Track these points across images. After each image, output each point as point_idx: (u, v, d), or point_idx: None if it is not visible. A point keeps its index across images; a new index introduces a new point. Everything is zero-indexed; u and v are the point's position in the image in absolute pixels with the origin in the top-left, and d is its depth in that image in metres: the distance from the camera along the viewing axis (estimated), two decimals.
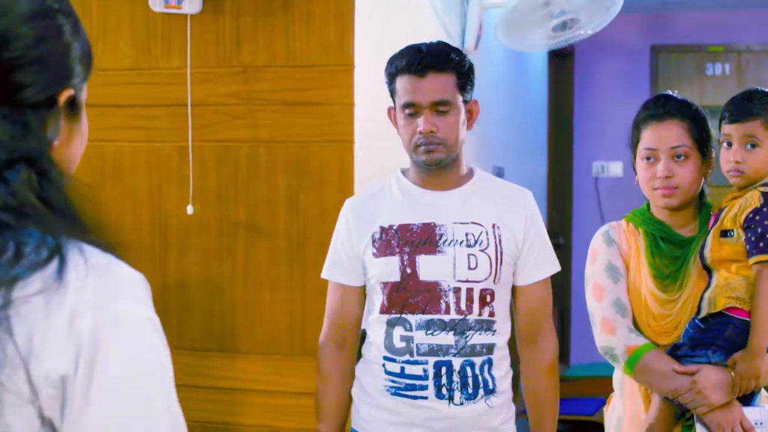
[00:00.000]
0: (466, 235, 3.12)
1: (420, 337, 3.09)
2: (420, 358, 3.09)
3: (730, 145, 3.11)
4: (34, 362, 1.23)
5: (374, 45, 4.20)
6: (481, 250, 3.11)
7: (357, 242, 3.20)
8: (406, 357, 3.11)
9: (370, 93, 4.12)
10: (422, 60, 3.09)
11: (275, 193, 4.14)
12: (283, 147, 4.12)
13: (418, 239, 3.12)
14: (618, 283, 3.22)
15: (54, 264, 1.26)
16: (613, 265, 3.24)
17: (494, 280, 3.12)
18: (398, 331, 3.12)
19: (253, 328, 4.18)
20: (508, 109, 7.02)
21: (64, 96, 1.38)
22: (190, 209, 4.15)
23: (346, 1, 4.03)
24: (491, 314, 3.12)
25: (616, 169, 9.02)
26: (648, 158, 3.19)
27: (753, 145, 3.06)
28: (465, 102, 3.15)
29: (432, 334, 3.08)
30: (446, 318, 3.08)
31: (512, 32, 5.21)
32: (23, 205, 1.28)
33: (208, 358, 4.22)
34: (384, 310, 3.15)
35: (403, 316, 3.11)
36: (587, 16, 5.18)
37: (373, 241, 3.16)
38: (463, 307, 3.09)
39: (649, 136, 3.20)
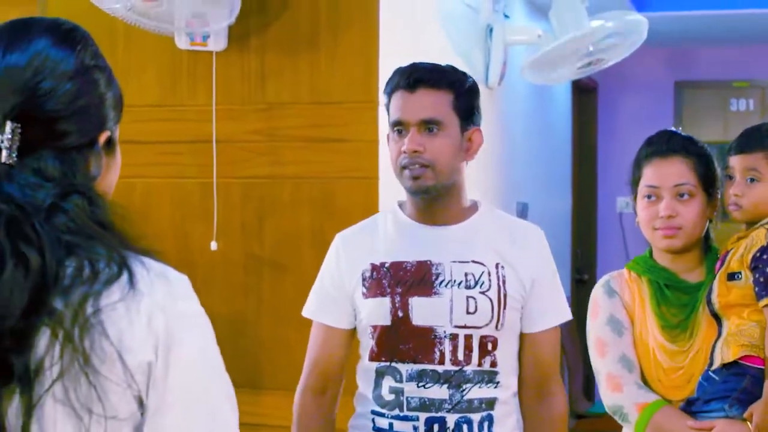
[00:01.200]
0: (466, 275, 2.79)
1: (410, 390, 2.76)
2: (410, 413, 2.76)
3: (731, 178, 2.98)
4: (126, 355, 1.54)
5: None
6: (482, 293, 2.78)
7: (347, 280, 2.88)
8: (396, 411, 2.79)
9: None
10: (413, 73, 2.81)
11: (300, 230, 4.14)
12: (307, 183, 4.13)
13: (411, 279, 2.80)
14: (622, 337, 3.00)
15: (125, 276, 1.56)
16: (615, 318, 3.02)
17: (497, 326, 2.79)
18: (388, 382, 2.80)
19: (278, 364, 4.17)
20: (532, 144, 7.02)
21: (102, 138, 1.66)
22: (213, 245, 4.16)
23: (370, 38, 4.05)
24: (493, 364, 2.79)
25: None
26: (649, 196, 2.99)
27: (753, 180, 2.93)
28: (464, 128, 2.83)
29: (424, 386, 2.76)
30: (440, 369, 2.75)
31: (539, 70, 5.22)
32: (83, 228, 1.57)
33: None
34: (373, 357, 2.84)
35: (393, 364, 2.80)
36: (614, 55, 5.20)
37: (363, 280, 2.85)
38: (460, 356, 2.76)
39: (650, 173, 3.00)
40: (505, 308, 2.80)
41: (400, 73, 2.84)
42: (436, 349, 2.76)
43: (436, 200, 2.83)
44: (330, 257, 2.97)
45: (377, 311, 2.81)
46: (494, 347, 2.80)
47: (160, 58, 4.29)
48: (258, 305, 4.20)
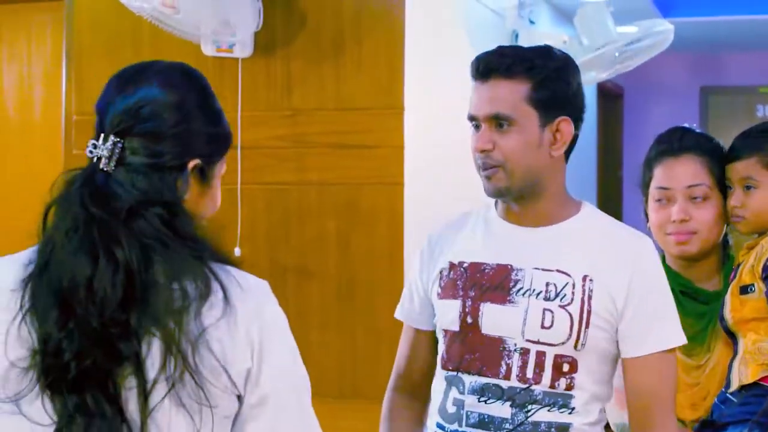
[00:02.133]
0: (547, 285, 2.45)
1: (471, 404, 2.47)
2: (468, 430, 2.48)
3: (731, 189, 2.75)
4: (230, 367, 1.77)
5: (424, 88, 4.21)
6: (561, 306, 2.43)
7: (427, 278, 2.62)
8: (455, 426, 2.50)
9: (420, 135, 4.12)
10: (487, 61, 2.48)
11: (325, 235, 4.15)
12: (332, 189, 4.13)
13: (488, 283, 2.49)
14: None
15: (219, 292, 1.78)
16: None
17: (575, 346, 2.42)
18: (453, 393, 2.51)
19: None
20: None
21: (191, 164, 1.88)
22: (237, 251, 4.17)
23: (396, 44, 4.05)
24: (569, 387, 2.43)
25: None
26: (660, 199, 2.77)
27: (750, 187, 2.70)
28: (546, 120, 2.47)
29: (485, 402, 2.45)
30: (504, 384, 2.44)
31: None
32: (160, 235, 1.78)
33: None
34: (443, 365, 2.55)
35: (459, 374, 2.50)
36: (639, 59, 5.19)
37: (440, 279, 2.58)
38: (528, 373, 2.43)
39: (661, 175, 2.77)
40: (587, 327, 2.43)
41: (477, 58, 2.52)
42: (503, 363, 2.45)
43: (521, 200, 2.51)
44: (416, 256, 2.71)
45: (448, 315, 2.53)
46: (572, 369, 2.44)
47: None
48: (283, 311, 4.20)
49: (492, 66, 2.46)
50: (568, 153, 2.57)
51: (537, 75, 2.44)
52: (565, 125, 2.50)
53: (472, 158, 2.53)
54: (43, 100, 4.96)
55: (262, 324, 1.83)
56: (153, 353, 1.73)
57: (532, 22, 5.69)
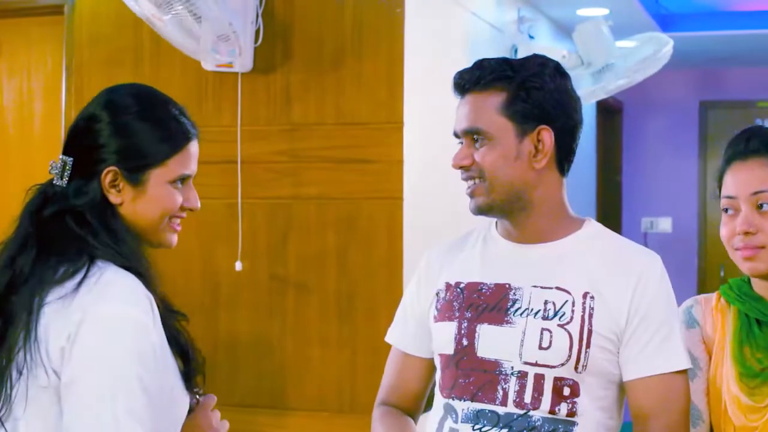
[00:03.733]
0: (545, 303, 2.31)
1: None
2: None
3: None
4: (49, 341, 1.96)
5: (424, 103, 4.22)
6: (560, 325, 2.28)
7: (424, 300, 2.50)
8: None
9: (420, 150, 4.13)
10: (462, 75, 2.41)
11: (324, 250, 4.15)
12: (332, 204, 4.14)
13: (485, 303, 2.36)
14: (694, 380, 2.41)
15: (77, 279, 1.99)
16: (690, 354, 2.39)
17: (576, 368, 2.27)
18: (448, 423, 2.36)
19: (303, 385, 4.17)
20: None
21: (105, 173, 2.09)
22: (238, 265, 4.17)
23: (395, 59, 4.06)
24: (571, 414, 2.27)
25: (665, 225, 8.96)
26: (727, 210, 2.41)
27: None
28: (524, 131, 2.35)
29: (480, 429, 2.30)
30: (500, 410, 2.28)
31: None
32: (66, 231, 2.06)
33: (257, 414, 4.21)
34: (440, 392, 2.41)
35: (453, 401, 2.36)
36: (639, 76, 5.20)
37: (437, 301, 2.45)
38: (526, 398, 2.27)
39: (729, 181, 2.40)
40: (588, 347, 2.28)
41: (456, 74, 2.44)
42: (500, 387, 2.29)
43: (511, 216, 2.40)
44: (414, 276, 2.58)
45: (443, 338, 2.39)
46: (574, 393, 2.28)
47: (185, 78, 4.31)
48: (282, 325, 4.21)
49: (467, 79, 2.38)
50: (563, 165, 2.45)
51: (511, 85, 2.34)
52: (546, 135, 2.36)
53: None
54: (43, 113, 4.96)
55: (90, 315, 1.97)
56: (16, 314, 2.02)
57: (531, 37, 5.71)
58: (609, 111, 8.78)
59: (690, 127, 9.15)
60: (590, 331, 2.28)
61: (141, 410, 1.95)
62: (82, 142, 2.12)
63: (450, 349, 2.36)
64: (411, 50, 4.10)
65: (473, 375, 2.32)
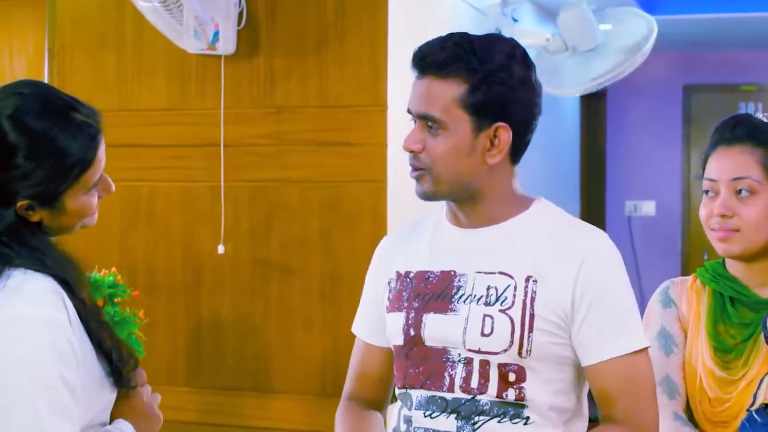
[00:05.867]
0: (488, 289, 2.26)
1: (418, 419, 2.30)
2: None
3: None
4: None
5: (407, 85, 4.20)
6: (502, 311, 2.23)
7: (380, 291, 2.45)
8: None
9: (403, 133, 4.11)
10: (425, 53, 2.31)
11: (308, 233, 4.15)
12: (315, 187, 4.13)
13: (431, 292, 2.31)
14: (671, 356, 2.50)
15: None
16: (667, 332, 2.52)
17: (520, 353, 2.22)
18: (403, 411, 2.35)
19: (286, 368, 4.17)
20: (540, 149, 7.01)
21: (20, 203, 2.03)
22: (221, 249, 4.17)
23: (379, 42, 4.05)
24: (520, 398, 2.23)
25: (648, 208, 8.97)
26: (708, 192, 2.50)
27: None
28: (481, 126, 2.24)
29: (431, 416, 2.28)
30: (448, 396, 2.27)
31: (552, 84, 5.23)
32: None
33: (240, 397, 4.21)
34: (396, 381, 2.41)
35: (407, 391, 2.33)
36: (628, 67, 5.20)
37: (389, 291, 2.41)
38: (473, 384, 2.24)
39: (712, 165, 2.49)
40: (531, 332, 2.21)
41: (417, 49, 2.33)
42: (446, 374, 2.27)
43: (459, 203, 2.33)
44: (371, 266, 2.53)
45: (394, 328, 2.36)
46: (519, 378, 2.24)
47: (169, 61, 4.30)
48: (265, 308, 4.20)
49: (428, 62, 2.28)
50: (517, 157, 2.35)
51: (473, 77, 2.23)
52: (503, 133, 2.25)
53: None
54: None
55: None
56: None
57: (515, 20, 5.69)
58: (592, 95, 8.76)
59: (673, 111, 9.15)
60: (532, 315, 2.21)
61: (65, 406, 1.91)
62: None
63: (400, 340, 2.33)
64: (394, 33, 4.10)
65: (423, 365, 2.30)
